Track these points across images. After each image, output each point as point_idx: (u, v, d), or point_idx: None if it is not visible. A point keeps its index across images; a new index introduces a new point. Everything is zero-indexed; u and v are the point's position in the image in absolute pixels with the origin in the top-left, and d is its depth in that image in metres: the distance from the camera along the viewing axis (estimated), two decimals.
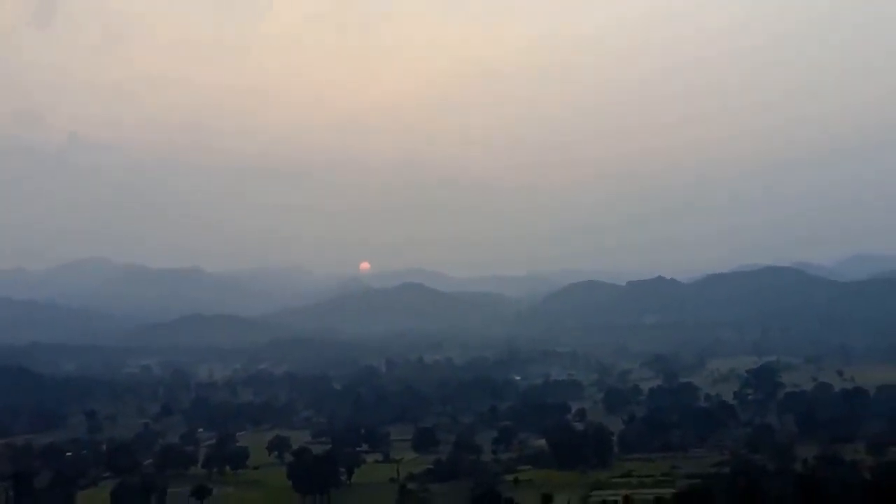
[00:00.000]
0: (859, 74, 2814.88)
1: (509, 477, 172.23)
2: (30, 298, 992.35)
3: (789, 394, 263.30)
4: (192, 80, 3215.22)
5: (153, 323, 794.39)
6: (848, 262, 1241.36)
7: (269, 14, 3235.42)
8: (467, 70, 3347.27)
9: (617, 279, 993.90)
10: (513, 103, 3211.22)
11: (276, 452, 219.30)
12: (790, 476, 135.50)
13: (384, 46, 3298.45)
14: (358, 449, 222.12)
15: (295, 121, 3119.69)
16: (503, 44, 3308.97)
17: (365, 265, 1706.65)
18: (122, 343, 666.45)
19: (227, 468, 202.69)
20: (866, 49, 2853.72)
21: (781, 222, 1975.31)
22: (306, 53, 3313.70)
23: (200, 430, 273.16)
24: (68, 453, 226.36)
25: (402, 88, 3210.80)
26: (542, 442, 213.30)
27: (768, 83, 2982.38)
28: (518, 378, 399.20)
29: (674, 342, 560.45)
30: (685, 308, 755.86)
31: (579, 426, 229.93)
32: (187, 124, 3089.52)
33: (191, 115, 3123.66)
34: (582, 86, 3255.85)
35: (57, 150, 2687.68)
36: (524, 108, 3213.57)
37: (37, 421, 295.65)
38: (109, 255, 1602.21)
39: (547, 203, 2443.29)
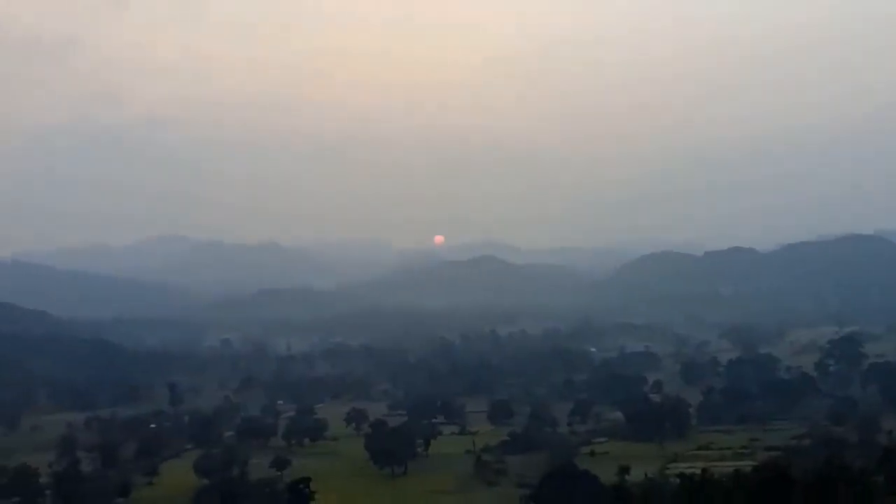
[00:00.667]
0: None
1: (585, 449, 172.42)
2: (111, 274, 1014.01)
3: (872, 364, 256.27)
4: (263, 58, 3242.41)
5: (231, 297, 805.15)
6: None
7: None
8: (535, 41, 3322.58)
9: (693, 250, 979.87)
10: (583, 73, 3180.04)
11: (353, 424, 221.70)
12: (874, 448, 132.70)
13: (453, 21, 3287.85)
14: (434, 421, 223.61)
15: (370, 95, 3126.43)
16: (572, 12, 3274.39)
17: (439, 238, 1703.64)
18: (200, 317, 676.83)
19: (306, 440, 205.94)
20: None
21: (863, 190, 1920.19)
22: (376, 28, 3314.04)
23: (280, 402, 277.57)
24: (152, 425, 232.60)
25: (474, 61, 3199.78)
26: (618, 414, 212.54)
27: (849, 49, 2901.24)
28: (593, 350, 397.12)
29: (752, 313, 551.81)
30: (763, 278, 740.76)
31: (656, 398, 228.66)
32: (261, 102, 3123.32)
33: (264, 92, 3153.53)
34: (653, 53, 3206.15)
35: (134, 128, 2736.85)
36: (595, 78, 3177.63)
37: (120, 393, 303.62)
38: (186, 232, 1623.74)
39: (620, 174, 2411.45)
